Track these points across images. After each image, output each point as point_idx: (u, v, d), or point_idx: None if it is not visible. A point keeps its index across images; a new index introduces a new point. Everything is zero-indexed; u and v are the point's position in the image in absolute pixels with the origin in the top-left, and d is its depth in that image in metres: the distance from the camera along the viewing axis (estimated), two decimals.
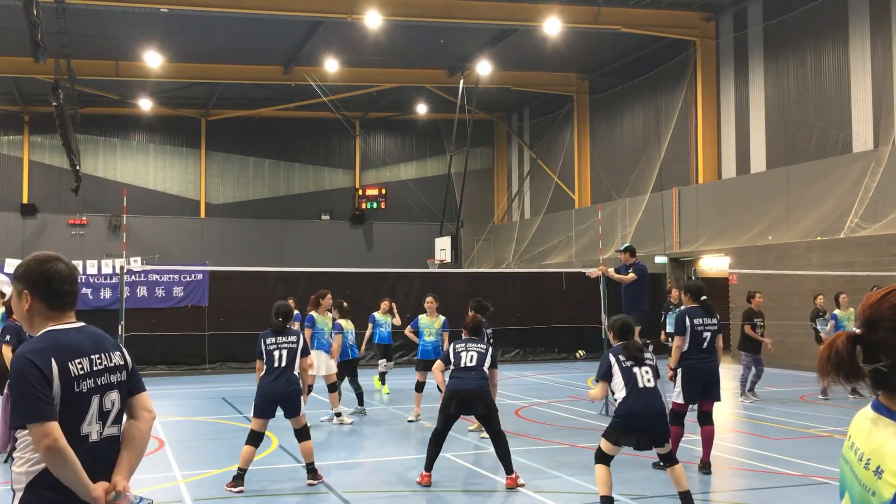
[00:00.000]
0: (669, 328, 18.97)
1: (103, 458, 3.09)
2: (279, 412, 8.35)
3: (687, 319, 8.82)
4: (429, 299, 12.95)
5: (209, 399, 14.99)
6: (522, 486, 8.03)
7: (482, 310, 10.80)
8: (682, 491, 6.89)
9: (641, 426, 6.83)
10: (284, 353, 8.31)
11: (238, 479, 8.00)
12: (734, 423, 12.40)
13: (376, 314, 15.04)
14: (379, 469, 9.18)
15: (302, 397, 8.45)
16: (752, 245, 21.28)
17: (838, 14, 20.24)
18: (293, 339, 8.42)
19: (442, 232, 32.12)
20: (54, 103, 21.84)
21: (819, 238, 19.27)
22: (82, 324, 3.18)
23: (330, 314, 12.42)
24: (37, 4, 15.72)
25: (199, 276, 20.05)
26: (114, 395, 3.15)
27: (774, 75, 22.20)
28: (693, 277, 14.04)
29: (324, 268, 24.68)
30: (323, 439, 10.97)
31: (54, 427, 2.92)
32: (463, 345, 8.51)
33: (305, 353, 8.53)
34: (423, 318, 12.79)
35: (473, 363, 8.32)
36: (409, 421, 12.18)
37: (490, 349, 8.58)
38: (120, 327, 11.49)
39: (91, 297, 19.35)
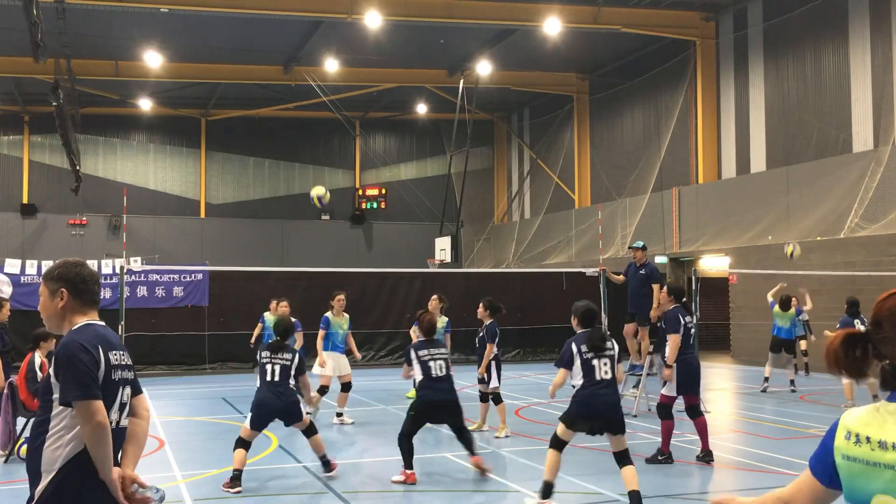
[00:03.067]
0: None
1: (118, 445, 3.42)
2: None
3: (680, 318, 9.30)
4: (433, 298, 12.86)
5: (209, 399, 14.99)
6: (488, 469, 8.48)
7: (496, 311, 10.85)
8: (632, 490, 6.97)
9: (595, 414, 7.06)
10: (278, 368, 8.30)
11: (235, 479, 8.00)
12: (734, 423, 12.40)
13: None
14: (379, 469, 9.17)
15: (311, 400, 8.50)
16: (752, 245, 21.28)
17: (838, 14, 20.24)
18: (288, 356, 8.39)
19: (442, 232, 32.11)
20: (54, 103, 21.82)
21: (819, 238, 19.27)
22: (104, 323, 3.54)
23: (346, 315, 12.40)
24: (37, 4, 15.71)
25: (199, 276, 20.05)
26: (128, 390, 3.50)
27: (774, 75, 22.20)
28: (693, 277, 14.06)
29: (324, 268, 24.67)
30: (323, 440, 10.97)
31: (102, 406, 3.25)
32: (427, 352, 8.50)
33: (301, 371, 8.43)
34: None
35: (444, 372, 8.43)
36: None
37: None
38: (120, 327, 11.50)
39: None
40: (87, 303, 3.50)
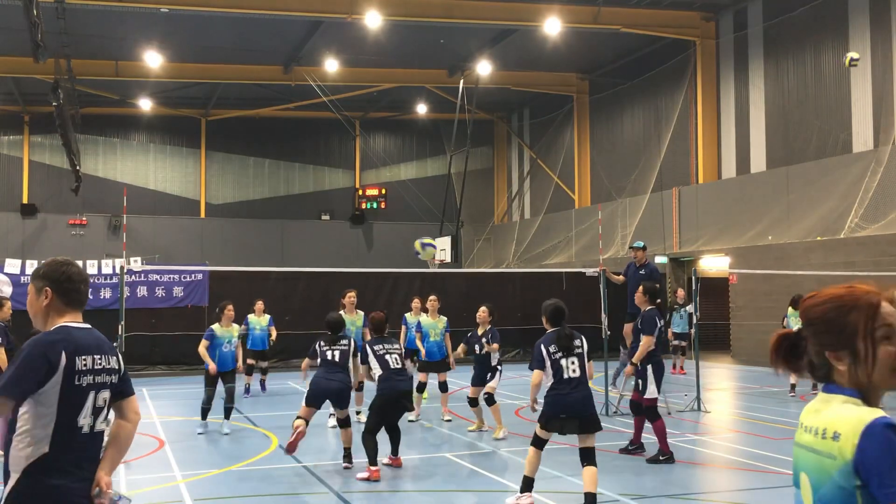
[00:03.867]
0: (676, 328, 19.02)
1: (91, 450, 3.38)
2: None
3: (657, 320, 9.56)
4: (431, 298, 12.76)
5: None
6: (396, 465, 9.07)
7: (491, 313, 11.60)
8: (588, 492, 7.01)
9: (564, 413, 7.17)
10: (337, 353, 9.27)
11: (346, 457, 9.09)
12: (734, 423, 12.41)
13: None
14: (379, 470, 9.16)
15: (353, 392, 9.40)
16: (752, 245, 21.28)
17: (838, 14, 20.24)
18: (345, 342, 9.45)
19: (442, 232, 32.09)
20: (54, 103, 21.84)
21: (819, 238, 19.27)
22: (89, 326, 3.48)
23: (360, 312, 12.39)
24: (37, 4, 15.72)
25: (199, 276, 20.04)
26: (106, 394, 3.43)
27: (774, 75, 22.20)
28: (693, 277, 14.06)
29: (324, 268, 24.67)
30: (323, 440, 10.98)
31: (9, 407, 3.21)
32: (381, 346, 9.04)
33: (354, 354, 9.43)
34: (424, 319, 12.60)
35: (399, 365, 8.96)
36: (410, 421, 12.17)
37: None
38: (120, 327, 11.48)
39: (91, 297, 19.07)
40: (72, 303, 3.46)
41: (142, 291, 19.61)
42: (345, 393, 9.13)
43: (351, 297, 12.34)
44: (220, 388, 11.49)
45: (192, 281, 19.98)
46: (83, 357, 3.32)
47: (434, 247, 15.56)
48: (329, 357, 9.25)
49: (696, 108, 24.51)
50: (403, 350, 9.67)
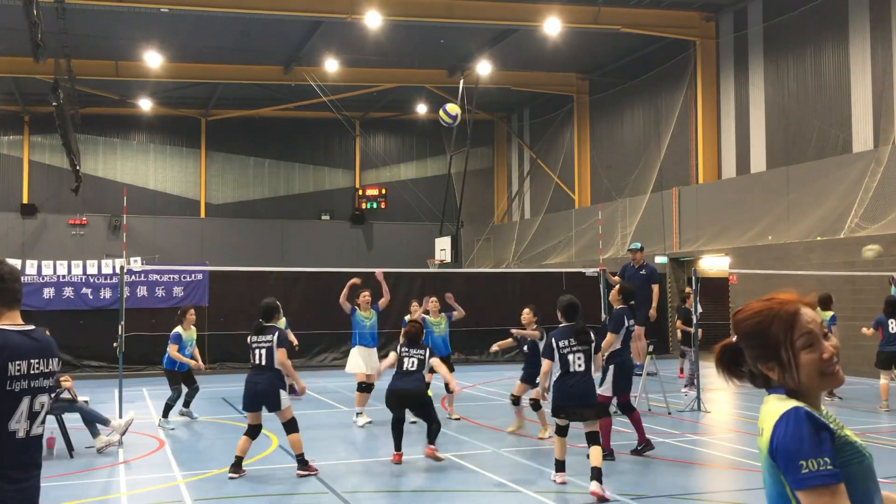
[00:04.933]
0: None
1: (27, 455, 3.28)
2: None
3: (625, 319, 9.70)
4: (432, 300, 13.22)
5: (209, 399, 15.00)
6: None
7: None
8: (595, 467, 7.66)
9: (569, 403, 7.88)
10: (263, 351, 9.00)
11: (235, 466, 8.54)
12: (734, 423, 12.41)
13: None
14: (379, 469, 9.18)
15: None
16: (752, 245, 21.28)
17: (838, 14, 20.24)
18: (269, 336, 9.05)
19: (442, 232, 32.10)
20: (54, 103, 21.83)
21: (819, 238, 19.27)
22: (32, 327, 3.36)
23: (373, 311, 12.59)
24: (37, 4, 15.72)
25: (199, 276, 20.04)
26: (44, 398, 3.34)
27: (774, 75, 22.20)
28: (693, 278, 14.06)
29: (324, 268, 24.66)
30: (323, 440, 10.98)
31: None
32: (407, 349, 9.48)
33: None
34: (428, 318, 12.94)
35: (414, 368, 9.37)
36: (412, 423, 12.15)
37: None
38: (120, 327, 11.48)
39: (91, 297, 19.35)
40: (9, 302, 3.33)
41: (142, 291, 19.61)
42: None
43: (365, 296, 12.71)
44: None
45: (192, 281, 19.98)
46: (17, 362, 3.20)
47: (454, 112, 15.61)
48: (405, 365, 9.42)
49: (696, 108, 24.50)
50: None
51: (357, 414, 12.12)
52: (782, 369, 2.22)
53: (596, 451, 7.75)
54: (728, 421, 12.71)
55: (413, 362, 9.36)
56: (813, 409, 2.16)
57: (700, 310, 13.66)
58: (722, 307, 23.14)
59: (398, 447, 9.31)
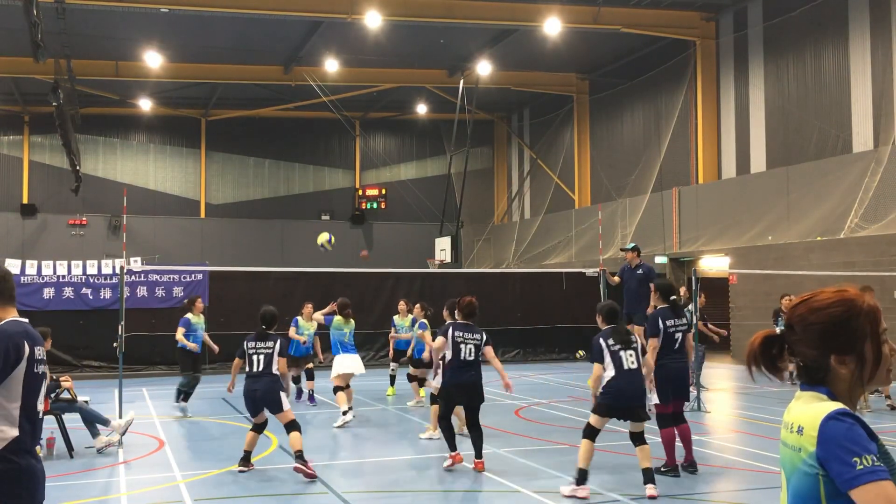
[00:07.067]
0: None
1: (40, 433, 3.71)
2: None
3: (660, 321, 8.75)
4: (416, 306, 13.80)
5: (209, 399, 14.98)
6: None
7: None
8: (645, 468, 7.56)
9: (626, 402, 7.68)
10: (262, 357, 8.83)
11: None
12: (734, 423, 12.41)
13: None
14: (379, 470, 9.18)
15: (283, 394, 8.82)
16: (752, 245, 21.28)
17: (838, 14, 20.24)
18: (270, 343, 8.85)
19: (442, 232, 32.10)
20: (54, 103, 21.83)
21: (819, 238, 19.27)
22: (26, 320, 3.71)
23: (351, 319, 12.61)
24: (37, 4, 15.72)
25: (199, 276, 20.03)
26: (46, 381, 3.76)
27: (774, 75, 22.20)
28: (693, 278, 14.06)
29: (324, 268, 24.67)
30: (323, 440, 10.98)
31: None
32: (461, 333, 8.74)
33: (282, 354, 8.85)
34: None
35: (472, 357, 8.81)
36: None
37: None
38: (120, 327, 11.47)
39: (91, 297, 19.34)
40: (9, 299, 3.66)
41: (142, 291, 19.60)
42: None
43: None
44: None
45: (192, 281, 19.97)
46: (38, 347, 3.60)
47: (330, 235, 16.04)
48: (462, 354, 8.61)
49: (695, 109, 24.50)
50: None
51: (343, 412, 11.99)
52: (861, 363, 2.17)
53: (645, 451, 7.59)
54: (728, 421, 12.71)
55: (471, 349, 8.62)
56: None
57: (689, 310, 13.66)
58: (722, 307, 23.13)
59: (454, 446, 8.79)
